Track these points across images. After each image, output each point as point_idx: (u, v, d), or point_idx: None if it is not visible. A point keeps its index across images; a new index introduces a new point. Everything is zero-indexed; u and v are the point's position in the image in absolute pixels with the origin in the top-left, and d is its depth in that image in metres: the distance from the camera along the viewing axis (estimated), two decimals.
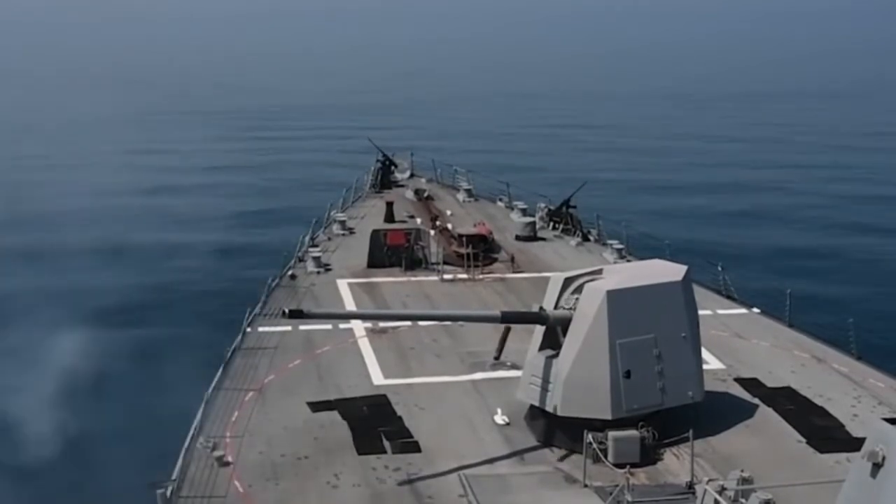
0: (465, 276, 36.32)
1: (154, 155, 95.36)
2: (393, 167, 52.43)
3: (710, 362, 27.36)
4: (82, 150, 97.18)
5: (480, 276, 36.33)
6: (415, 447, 22.61)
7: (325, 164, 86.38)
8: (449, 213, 45.29)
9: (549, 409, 22.69)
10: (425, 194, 48.18)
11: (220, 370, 26.52)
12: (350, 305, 33.22)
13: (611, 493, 19.67)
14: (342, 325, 30.39)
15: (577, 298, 22.97)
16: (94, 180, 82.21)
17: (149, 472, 22.18)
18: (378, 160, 52.13)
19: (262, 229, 63.25)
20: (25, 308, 48.01)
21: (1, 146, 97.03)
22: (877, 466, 14.41)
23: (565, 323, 22.86)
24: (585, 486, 20.68)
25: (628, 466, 20.54)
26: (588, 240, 41.66)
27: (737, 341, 29.91)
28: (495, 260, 38.26)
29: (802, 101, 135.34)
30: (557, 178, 66.17)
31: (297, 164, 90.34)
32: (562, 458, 22.05)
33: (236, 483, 20.78)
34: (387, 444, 22.72)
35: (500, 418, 23.97)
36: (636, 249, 38.77)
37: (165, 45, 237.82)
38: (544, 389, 22.78)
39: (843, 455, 21.90)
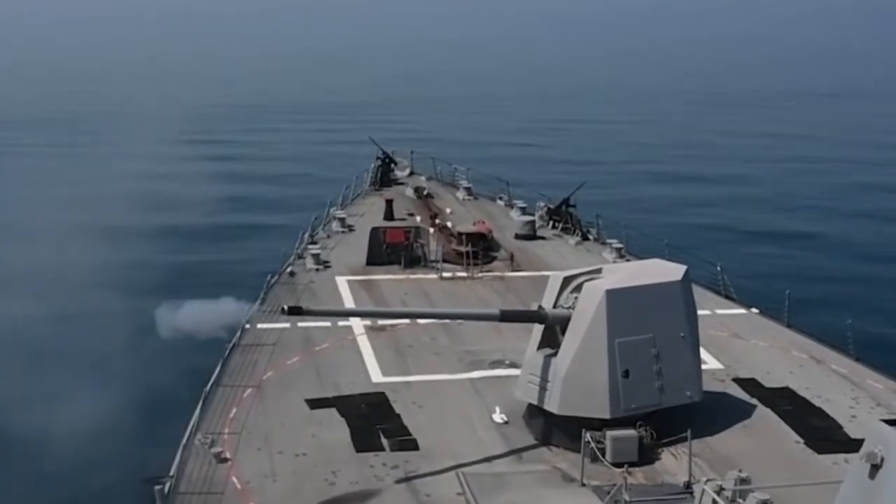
0: (464, 274, 36.30)
1: (151, 150, 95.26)
2: (393, 165, 52.39)
3: (709, 362, 27.35)
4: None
5: (479, 275, 36.30)
6: (413, 445, 22.60)
7: (326, 162, 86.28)
8: (448, 211, 45.25)
9: (547, 407, 22.69)
10: (425, 192, 48.13)
11: (219, 366, 26.52)
12: (349, 303, 33.20)
13: (608, 493, 19.67)
14: (341, 323, 30.35)
15: (576, 297, 22.99)
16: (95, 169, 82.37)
17: (146, 467, 22.18)
18: (378, 158, 52.10)
19: (261, 227, 63.16)
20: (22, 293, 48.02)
21: None
22: (875, 468, 14.41)
23: (564, 322, 22.87)
24: (583, 485, 20.69)
25: (626, 466, 20.54)
26: (587, 239, 41.65)
27: (735, 341, 29.90)
28: (494, 258, 38.23)
29: (803, 101, 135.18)
30: (557, 176, 66.09)
31: (297, 162, 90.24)
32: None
33: (234, 479, 20.76)
34: (385, 441, 22.72)
35: (498, 417, 23.97)
36: (635, 249, 38.73)
37: (174, 42, 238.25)
38: (543, 388, 22.79)
39: (842, 456, 21.91)
